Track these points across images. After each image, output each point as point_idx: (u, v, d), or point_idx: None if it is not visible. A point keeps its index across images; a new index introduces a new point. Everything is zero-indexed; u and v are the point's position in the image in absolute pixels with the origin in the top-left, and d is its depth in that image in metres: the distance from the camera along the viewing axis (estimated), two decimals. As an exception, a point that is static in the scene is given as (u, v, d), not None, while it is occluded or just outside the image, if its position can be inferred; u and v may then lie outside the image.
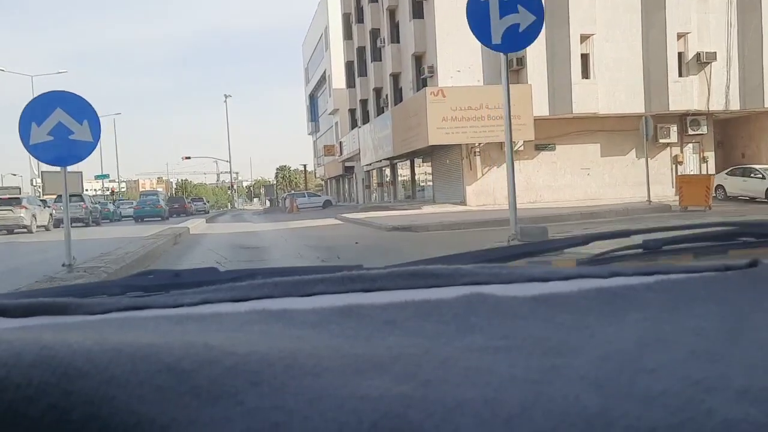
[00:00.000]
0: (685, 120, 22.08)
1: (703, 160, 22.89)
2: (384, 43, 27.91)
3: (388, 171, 31.90)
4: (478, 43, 7.13)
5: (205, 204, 52.43)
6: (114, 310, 0.63)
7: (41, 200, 25.82)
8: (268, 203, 48.22)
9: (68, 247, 7.22)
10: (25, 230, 21.43)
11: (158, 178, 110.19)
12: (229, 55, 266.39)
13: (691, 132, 22.20)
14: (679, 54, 21.46)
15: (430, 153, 23.82)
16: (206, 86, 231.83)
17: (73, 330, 0.44)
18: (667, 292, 0.57)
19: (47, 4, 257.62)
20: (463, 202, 21.33)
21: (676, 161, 22.54)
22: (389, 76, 27.39)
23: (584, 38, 20.82)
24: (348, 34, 35.29)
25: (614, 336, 0.45)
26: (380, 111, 29.48)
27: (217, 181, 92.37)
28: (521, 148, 21.30)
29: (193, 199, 56.99)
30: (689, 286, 0.59)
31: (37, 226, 21.74)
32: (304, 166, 52.40)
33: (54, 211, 25.96)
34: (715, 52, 21.51)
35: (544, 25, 6.77)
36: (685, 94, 21.32)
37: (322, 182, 57.36)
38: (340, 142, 38.14)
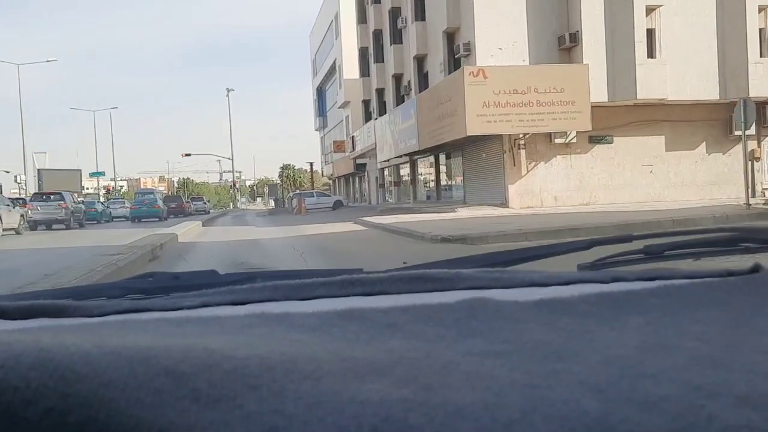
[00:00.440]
0: (764, 109, 18.73)
1: (785, 156, 19.59)
2: (406, 22, 24.62)
3: (407, 168, 28.66)
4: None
5: (205, 204, 49.44)
6: (113, 313, 0.63)
7: (12, 200, 22.72)
8: (272, 203, 44.87)
9: None
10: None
11: (160, 176, 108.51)
12: (233, 53, 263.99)
13: (771, 123, 18.89)
14: (760, 30, 18.14)
15: (461, 147, 20.57)
16: (210, 84, 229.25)
17: (71, 332, 0.44)
18: (669, 298, 0.58)
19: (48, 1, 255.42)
20: (504, 204, 18.07)
21: (753, 157, 19.17)
22: (413, 60, 24.11)
23: (650, 10, 17.51)
24: (362, 18, 32.04)
25: (615, 341, 0.45)
26: (400, 100, 26.21)
27: (220, 180, 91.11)
28: (573, 140, 18.03)
29: (193, 198, 54.14)
30: (691, 292, 0.60)
31: (4, 229, 18.52)
32: (311, 164, 49.05)
33: (30, 212, 22.95)
34: (802, 29, 18.20)
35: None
36: None
37: (330, 181, 54.27)
38: (352, 136, 34.90)
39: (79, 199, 31.61)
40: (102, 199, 44.09)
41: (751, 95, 17.73)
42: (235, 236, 14.56)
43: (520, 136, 17.66)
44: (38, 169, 43.05)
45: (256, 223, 21.46)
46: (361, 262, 7.85)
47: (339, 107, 41.59)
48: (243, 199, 78.96)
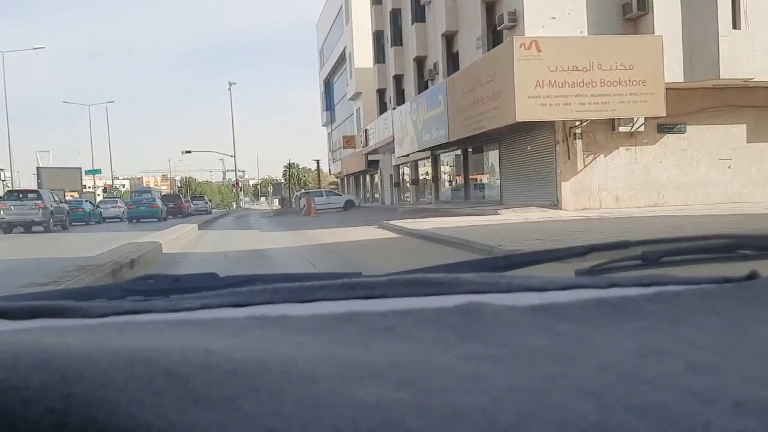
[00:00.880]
0: None
1: None
2: (432, -4, 21.71)
3: (427, 164, 25.74)
4: None
5: (206, 203, 46.58)
6: (114, 314, 0.63)
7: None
8: (278, 203, 41.88)
9: None
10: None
11: (163, 175, 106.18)
12: (236, 52, 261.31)
13: None
14: None
15: (497, 138, 17.64)
16: (214, 83, 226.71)
17: (72, 333, 0.45)
18: (666, 304, 0.58)
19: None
20: (556, 205, 15.13)
21: None
22: (440, 38, 21.17)
23: (734, -28, 14.57)
24: (377, -3, 29.14)
25: (612, 346, 0.45)
26: (423, 87, 23.27)
27: (223, 179, 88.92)
28: (641, 129, 15.08)
29: (194, 197, 51.33)
30: (687, 298, 0.60)
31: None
32: (317, 161, 46.04)
33: (2, 212, 20.15)
34: None
35: None
36: None
37: (338, 180, 51.33)
38: (365, 130, 31.96)
39: (67, 198, 28.99)
40: (100, 198, 41.62)
41: None
42: (235, 245, 11.66)
43: (576, 123, 14.73)
44: (37, 167, 41.46)
45: (260, 227, 18.52)
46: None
47: (349, 99, 38.67)
48: (246, 199, 76.58)
